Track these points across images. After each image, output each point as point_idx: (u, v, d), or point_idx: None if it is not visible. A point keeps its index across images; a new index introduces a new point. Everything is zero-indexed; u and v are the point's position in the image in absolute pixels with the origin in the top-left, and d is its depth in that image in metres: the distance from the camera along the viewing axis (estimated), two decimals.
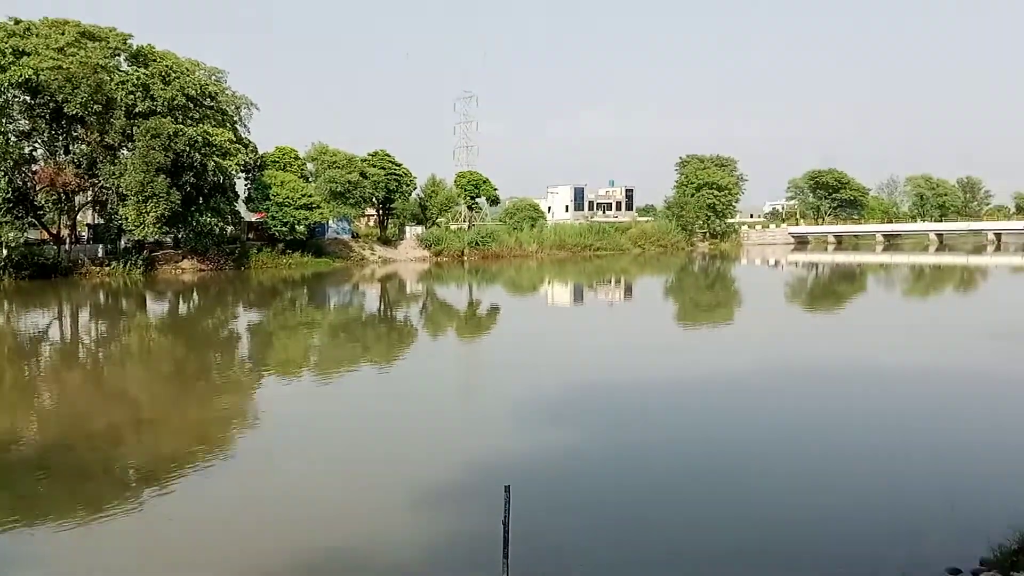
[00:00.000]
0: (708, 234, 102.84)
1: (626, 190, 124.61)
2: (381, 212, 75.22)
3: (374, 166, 69.16)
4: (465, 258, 74.31)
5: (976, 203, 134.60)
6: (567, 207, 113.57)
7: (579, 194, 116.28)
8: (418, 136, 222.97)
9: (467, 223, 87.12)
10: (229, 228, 56.04)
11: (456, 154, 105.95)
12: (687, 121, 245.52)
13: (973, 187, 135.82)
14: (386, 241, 73.23)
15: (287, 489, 10.17)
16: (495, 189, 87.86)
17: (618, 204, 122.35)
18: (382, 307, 36.61)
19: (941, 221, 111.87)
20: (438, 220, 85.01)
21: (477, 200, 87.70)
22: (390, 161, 71.36)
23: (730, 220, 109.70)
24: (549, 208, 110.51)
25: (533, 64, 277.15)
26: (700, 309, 34.21)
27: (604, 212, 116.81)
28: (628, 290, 47.41)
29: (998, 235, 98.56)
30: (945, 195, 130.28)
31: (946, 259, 73.49)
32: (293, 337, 26.34)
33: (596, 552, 7.75)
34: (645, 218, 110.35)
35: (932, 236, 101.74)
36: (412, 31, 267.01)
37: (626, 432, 12.41)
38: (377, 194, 69.39)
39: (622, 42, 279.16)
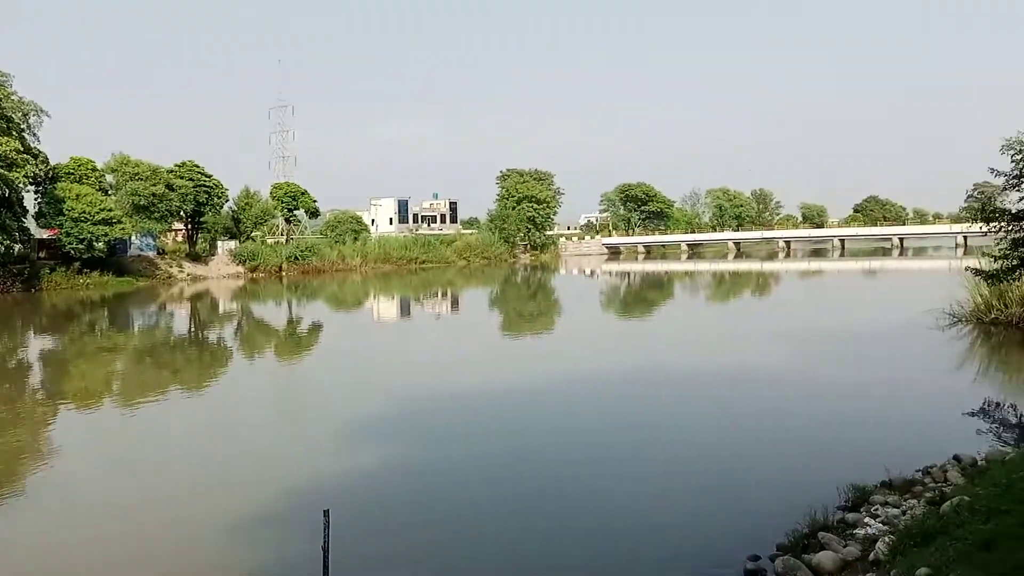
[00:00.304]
0: (529, 246, 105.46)
1: (450, 203, 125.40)
2: (190, 227, 70.81)
3: (181, 177, 64.84)
4: (284, 273, 71.48)
5: (768, 213, 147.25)
6: (391, 220, 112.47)
7: (403, 207, 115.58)
8: (231, 146, 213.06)
9: (285, 237, 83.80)
10: (16, 246, 50.84)
11: (272, 165, 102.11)
12: (508, 135, 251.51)
13: (765, 199, 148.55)
14: (196, 257, 68.93)
15: (86, 528, 9.10)
16: (314, 201, 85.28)
17: (442, 217, 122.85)
18: (192, 328, 34.25)
19: (738, 231, 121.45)
20: (253, 234, 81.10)
21: (295, 213, 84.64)
22: (199, 172, 67.25)
23: (549, 232, 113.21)
24: (373, 221, 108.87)
25: (352, 71, 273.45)
26: (524, 319, 34.78)
27: (429, 225, 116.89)
28: (455, 302, 47.48)
29: (788, 242, 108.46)
30: (741, 206, 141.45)
31: (743, 265, 79.65)
32: (93, 363, 23.96)
33: (417, 573, 7.45)
34: (469, 231, 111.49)
35: (731, 244, 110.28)
36: (222, 34, 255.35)
37: (449, 449, 12.16)
38: (185, 207, 65.16)
39: (448, 55, 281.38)
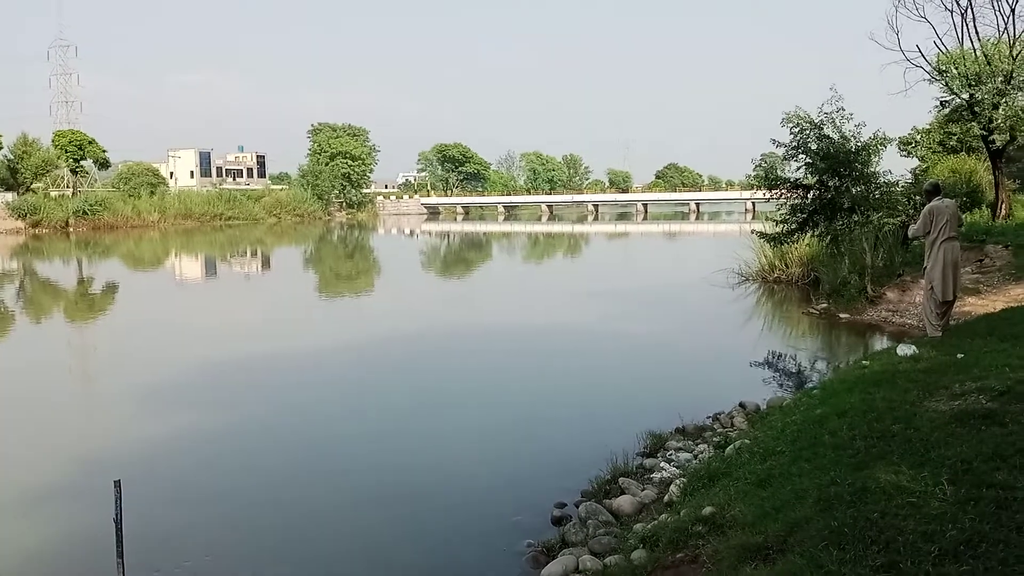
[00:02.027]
0: (345, 204, 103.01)
1: (257, 156, 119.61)
2: None
3: None
4: (71, 230, 65.32)
5: (578, 178, 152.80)
6: (192, 173, 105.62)
7: (205, 159, 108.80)
8: (2, 87, 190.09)
9: (71, 190, 76.38)
10: None
11: (54, 110, 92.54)
12: (317, 89, 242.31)
13: (575, 164, 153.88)
14: None
15: None
16: (104, 151, 78.35)
17: (249, 171, 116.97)
18: None
19: (551, 194, 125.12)
20: (33, 186, 73.25)
21: (83, 163, 77.26)
22: None
23: (365, 190, 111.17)
24: (172, 174, 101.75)
25: (147, 12, 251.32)
26: (340, 279, 34.06)
27: (235, 179, 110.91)
28: (265, 261, 45.57)
29: (596, 206, 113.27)
30: (553, 171, 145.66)
31: (556, 228, 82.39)
32: None
33: (213, 544, 7.23)
34: (279, 186, 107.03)
35: (544, 207, 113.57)
36: None
37: (249, 416, 11.67)
38: None
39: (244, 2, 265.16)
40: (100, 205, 70.11)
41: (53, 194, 74.23)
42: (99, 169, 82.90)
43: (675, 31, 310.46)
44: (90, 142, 76.80)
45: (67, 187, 78.45)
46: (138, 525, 6.70)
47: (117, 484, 5.23)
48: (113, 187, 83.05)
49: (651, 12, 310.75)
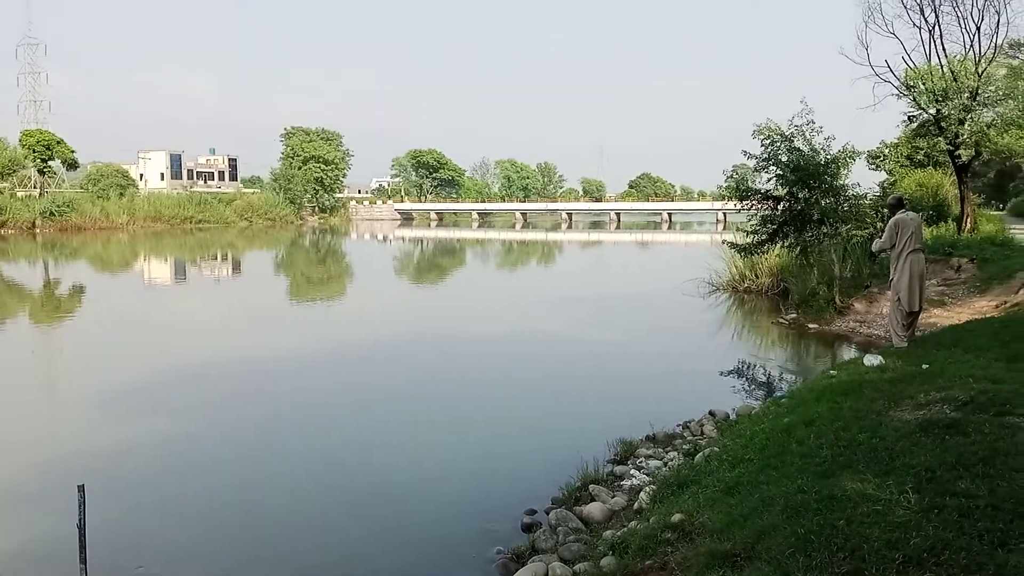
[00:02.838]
0: (317, 208, 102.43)
1: (229, 159, 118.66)
2: None
3: None
4: (38, 231, 64.20)
5: (552, 186, 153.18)
6: (163, 175, 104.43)
7: (176, 161, 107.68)
8: None
9: (38, 190, 75.08)
10: None
11: (21, 109, 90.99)
12: (290, 92, 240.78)
13: (549, 172, 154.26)
14: None
15: None
16: (72, 151, 77.19)
17: (221, 174, 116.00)
18: None
19: (525, 202, 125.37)
20: None
21: (50, 164, 76.01)
22: None
23: (339, 195, 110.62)
24: (142, 175, 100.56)
25: (114, 13, 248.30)
26: (312, 284, 33.81)
27: (206, 182, 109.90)
28: (236, 265, 45.09)
29: (570, 215, 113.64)
30: (528, 178, 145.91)
31: (530, 235, 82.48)
32: None
33: (177, 549, 7.14)
34: (251, 190, 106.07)
35: (518, 215, 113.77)
36: None
37: (216, 421, 11.54)
38: None
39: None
40: (68, 206, 68.95)
41: (19, 194, 72.90)
42: (67, 170, 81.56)
43: (650, 42, 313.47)
44: (58, 142, 75.57)
45: (34, 188, 77.06)
46: (101, 530, 6.62)
47: (81, 489, 5.15)
48: (81, 188, 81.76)
49: (626, 26, 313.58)
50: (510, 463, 9.42)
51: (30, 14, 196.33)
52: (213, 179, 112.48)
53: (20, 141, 74.64)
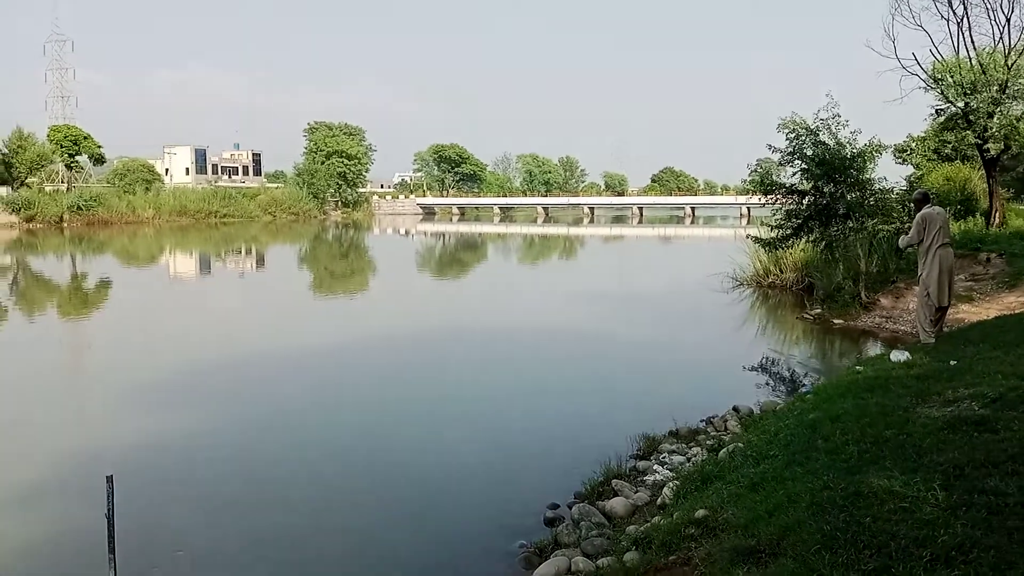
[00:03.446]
0: (340, 203, 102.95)
1: (253, 154, 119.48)
2: None
3: None
4: (66, 225, 65.11)
5: (574, 180, 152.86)
6: (188, 170, 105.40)
7: (201, 156, 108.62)
8: None
9: (66, 185, 76.16)
10: None
11: (49, 105, 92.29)
12: (314, 88, 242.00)
13: (572, 166, 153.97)
14: None
15: None
16: (99, 147, 78.17)
17: (245, 169, 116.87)
18: None
19: (547, 196, 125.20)
20: (28, 181, 73.02)
21: (78, 159, 77.03)
22: None
23: (361, 190, 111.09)
24: (167, 170, 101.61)
25: (140, 9, 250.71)
26: (336, 278, 34.03)
27: (230, 177, 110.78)
28: (260, 259, 45.48)
29: (592, 209, 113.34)
30: (549, 172, 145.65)
31: (552, 230, 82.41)
32: None
33: (205, 539, 7.23)
34: (275, 185, 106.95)
35: (540, 209, 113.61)
36: None
37: (242, 415, 11.61)
38: None
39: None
40: (95, 201, 69.87)
41: (48, 189, 73.95)
42: (94, 165, 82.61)
43: (674, 36, 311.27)
44: (85, 137, 76.55)
45: (62, 182, 78.19)
46: (130, 521, 6.71)
47: (109, 479, 5.22)
48: (108, 183, 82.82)
49: (651, 20, 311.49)
50: (533, 458, 9.43)
51: (57, 11, 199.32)
52: (237, 174, 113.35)
53: (48, 136, 75.66)
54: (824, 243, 21.72)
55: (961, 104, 25.33)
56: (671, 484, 7.20)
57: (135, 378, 13.90)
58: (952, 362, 8.70)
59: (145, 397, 12.50)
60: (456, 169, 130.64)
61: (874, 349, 14.96)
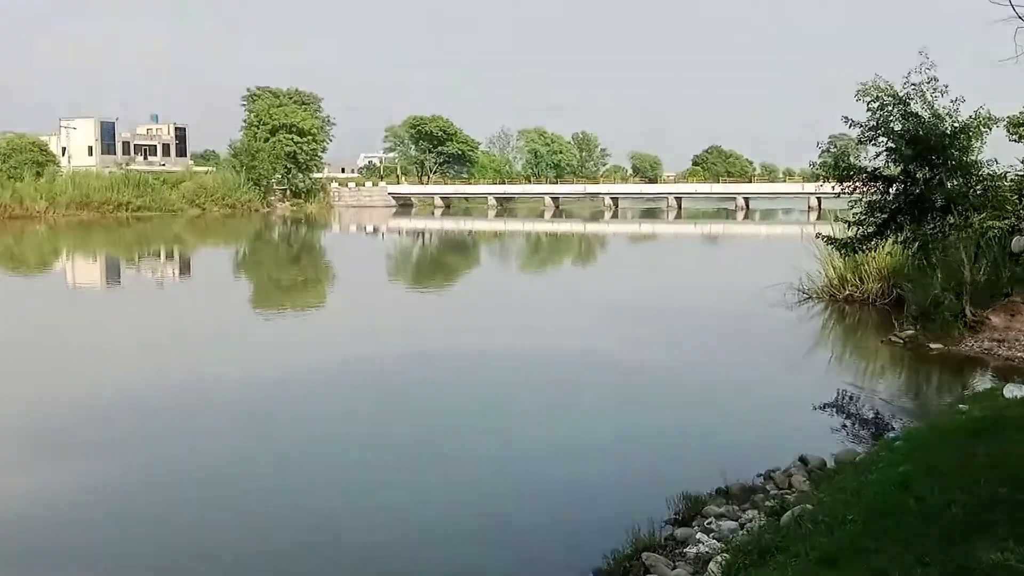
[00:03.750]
0: (289, 192, 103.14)
1: (176, 129, 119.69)
2: None
3: None
4: None
5: (592, 163, 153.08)
6: (91, 149, 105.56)
7: (109, 131, 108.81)
8: None
9: None
10: None
11: None
12: (256, 45, 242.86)
13: (589, 144, 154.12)
14: None
15: None
16: None
17: (165, 148, 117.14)
18: None
19: (557, 183, 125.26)
20: None
21: None
22: None
23: (316, 175, 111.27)
24: (64, 150, 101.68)
25: None
26: (282, 290, 34.09)
27: (146, 158, 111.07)
28: (184, 266, 45.57)
29: (615, 200, 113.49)
30: (560, 153, 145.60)
31: (563, 226, 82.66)
32: None
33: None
34: (204, 168, 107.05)
35: (548, 200, 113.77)
36: None
37: (144, 450, 11.78)
38: None
39: None
40: None
41: None
42: None
43: None
44: None
45: None
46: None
47: None
48: None
49: None
50: (543, 524, 9.43)
51: None
52: (156, 154, 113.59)
53: None
54: (917, 244, 21.71)
55: None
56: (719, 558, 7.20)
57: (21, 417, 13.92)
58: None
59: (36, 441, 12.51)
60: (440, 148, 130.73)
61: (983, 382, 14.98)
